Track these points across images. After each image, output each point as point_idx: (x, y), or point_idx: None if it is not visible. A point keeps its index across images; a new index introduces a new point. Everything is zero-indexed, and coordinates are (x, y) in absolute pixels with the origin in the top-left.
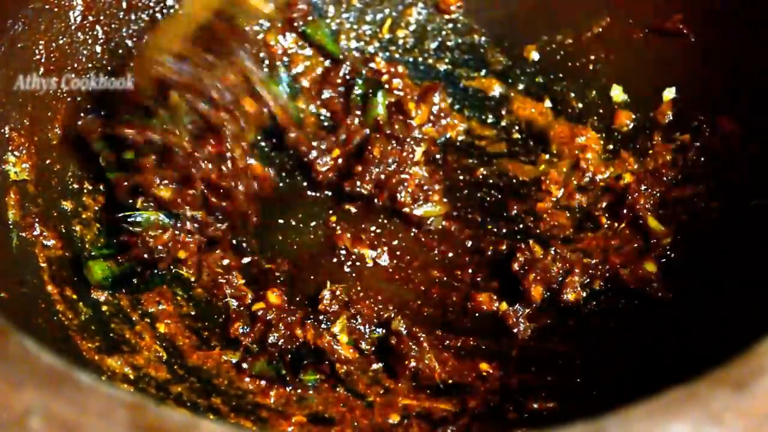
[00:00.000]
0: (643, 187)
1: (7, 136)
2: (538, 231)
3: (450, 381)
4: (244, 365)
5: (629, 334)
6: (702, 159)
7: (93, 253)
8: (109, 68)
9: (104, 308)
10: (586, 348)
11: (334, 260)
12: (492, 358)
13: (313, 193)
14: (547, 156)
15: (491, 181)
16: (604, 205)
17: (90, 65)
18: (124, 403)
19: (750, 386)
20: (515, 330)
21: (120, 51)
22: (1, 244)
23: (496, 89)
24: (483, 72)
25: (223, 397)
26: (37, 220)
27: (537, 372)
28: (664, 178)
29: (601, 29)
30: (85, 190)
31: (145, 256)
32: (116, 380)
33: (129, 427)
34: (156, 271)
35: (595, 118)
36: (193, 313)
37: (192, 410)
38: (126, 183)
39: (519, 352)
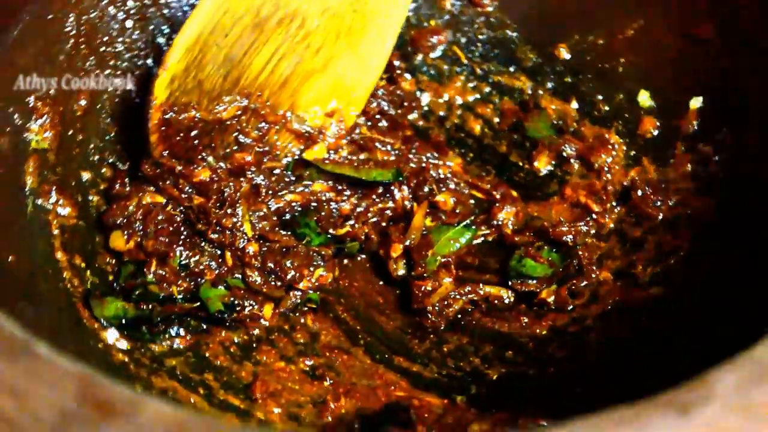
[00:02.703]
0: (658, 198)
1: (31, 105)
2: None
3: (444, 373)
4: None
5: (621, 344)
6: (722, 174)
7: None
8: (109, 68)
9: (110, 278)
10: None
11: None
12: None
13: None
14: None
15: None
16: (616, 211)
17: (90, 65)
18: (75, 376)
19: (693, 413)
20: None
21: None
22: (15, 209)
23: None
24: (512, 68)
25: (215, 374)
26: (54, 188)
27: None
28: (681, 189)
29: (633, 32)
30: (106, 162)
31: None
32: (111, 350)
33: (75, 397)
34: (169, 325)
35: (620, 122)
36: None
37: (183, 384)
38: None
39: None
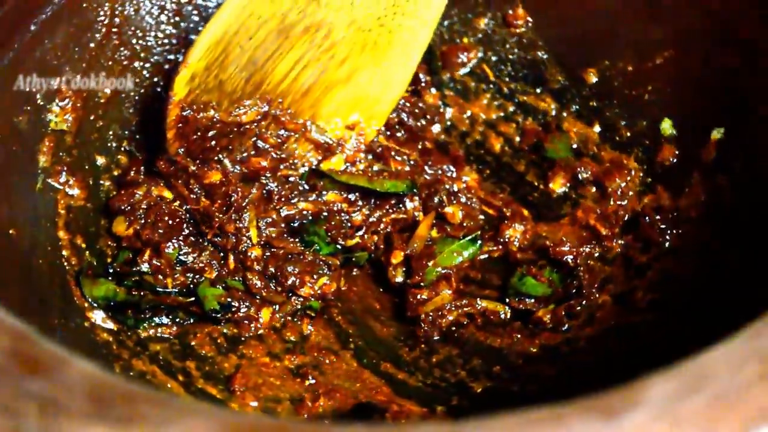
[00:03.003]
0: (666, 225)
1: (56, 87)
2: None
3: (428, 382)
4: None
5: (611, 368)
6: (735, 205)
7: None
8: (139, 60)
9: (108, 260)
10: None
11: None
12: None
13: None
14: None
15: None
16: (624, 236)
17: (120, 56)
18: (9, 331)
19: (619, 418)
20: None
21: (151, 45)
22: (24, 185)
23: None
24: (539, 89)
25: (198, 363)
26: (65, 169)
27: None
28: (692, 218)
29: (663, 60)
30: (123, 150)
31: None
32: (97, 329)
33: (4, 351)
34: (156, 314)
35: (640, 149)
36: None
37: (162, 369)
38: None
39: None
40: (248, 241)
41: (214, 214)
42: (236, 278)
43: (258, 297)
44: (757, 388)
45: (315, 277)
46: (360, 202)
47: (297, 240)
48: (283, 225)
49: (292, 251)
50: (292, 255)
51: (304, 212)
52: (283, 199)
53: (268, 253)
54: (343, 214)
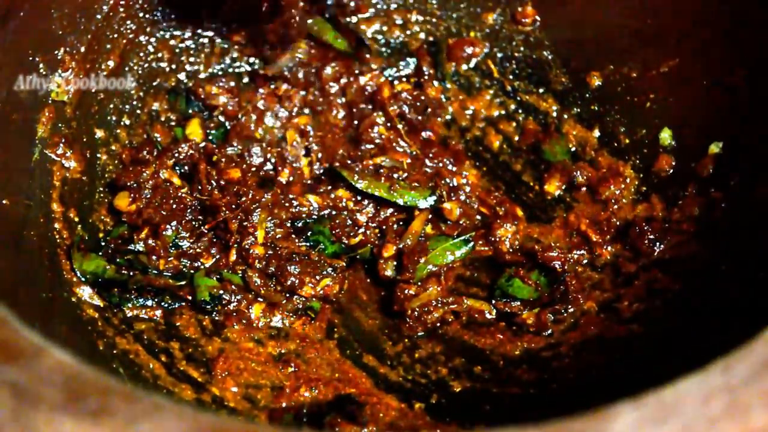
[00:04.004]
0: (656, 236)
1: (59, 57)
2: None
3: (409, 378)
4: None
5: (591, 376)
6: (728, 221)
7: (103, 246)
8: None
9: (100, 235)
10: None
11: None
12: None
13: None
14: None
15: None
16: (614, 244)
17: (126, 29)
18: None
19: None
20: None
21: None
22: (20, 155)
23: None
24: (542, 89)
25: (181, 344)
26: (63, 140)
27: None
28: (683, 231)
29: (668, 69)
30: (122, 124)
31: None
32: (83, 305)
33: None
34: (143, 295)
35: (638, 157)
36: None
37: (146, 349)
38: None
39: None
40: (252, 239)
41: (221, 208)
42: (232, 271)
43: (254, 294)
44: (724, 423)
45: (318, 278)
46: (365, 201)
47: (302, 239)
48: (288, 224)
49: (298, 251)
50: (297, 255)
51: (312, 207)
52: (305, 190)
53: (270, 252)
54: (347, 213)
